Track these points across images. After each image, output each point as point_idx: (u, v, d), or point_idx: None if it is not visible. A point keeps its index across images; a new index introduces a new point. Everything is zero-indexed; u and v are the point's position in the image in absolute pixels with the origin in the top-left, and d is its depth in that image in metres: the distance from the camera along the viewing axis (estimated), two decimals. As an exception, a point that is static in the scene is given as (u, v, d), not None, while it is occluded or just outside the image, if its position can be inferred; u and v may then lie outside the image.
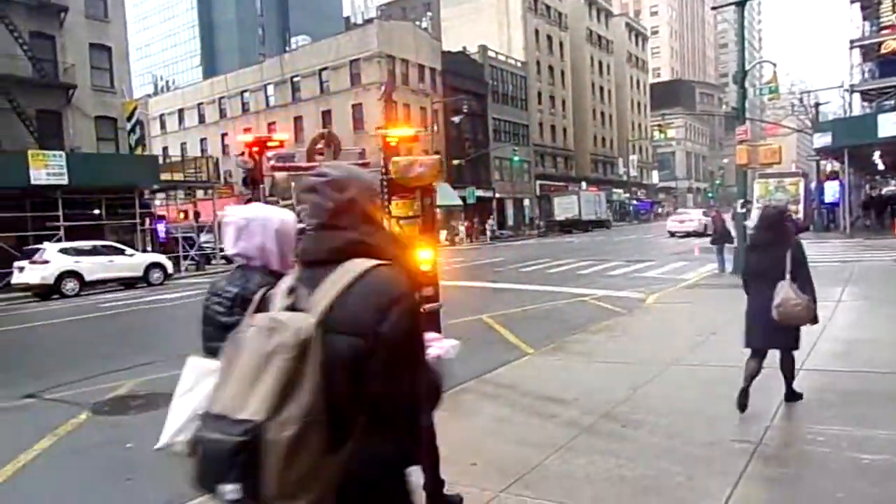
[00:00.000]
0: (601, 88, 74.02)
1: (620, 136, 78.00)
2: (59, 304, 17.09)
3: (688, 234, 30.99)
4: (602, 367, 6.51)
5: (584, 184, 61.92)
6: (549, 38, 63.06)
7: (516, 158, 51.26)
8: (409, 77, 45.82)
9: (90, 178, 23.29)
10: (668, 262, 18.93)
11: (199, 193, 34.01)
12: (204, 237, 31.00)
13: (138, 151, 29.28)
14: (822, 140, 27.03)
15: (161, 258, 22.02)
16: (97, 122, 27.62)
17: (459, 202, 46.34)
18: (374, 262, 1.53)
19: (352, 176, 1.68)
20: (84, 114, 26.86)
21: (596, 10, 73.58)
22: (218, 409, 1.40)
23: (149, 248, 24.72)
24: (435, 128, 47.75)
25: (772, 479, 3.70)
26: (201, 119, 55.39)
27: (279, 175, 8.44)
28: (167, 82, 68.99)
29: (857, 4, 35.57)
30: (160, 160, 33.55)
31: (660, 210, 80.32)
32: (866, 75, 35.71)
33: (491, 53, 53.91)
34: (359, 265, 1.51)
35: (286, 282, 1.58)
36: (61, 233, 22.13)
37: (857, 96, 36.48)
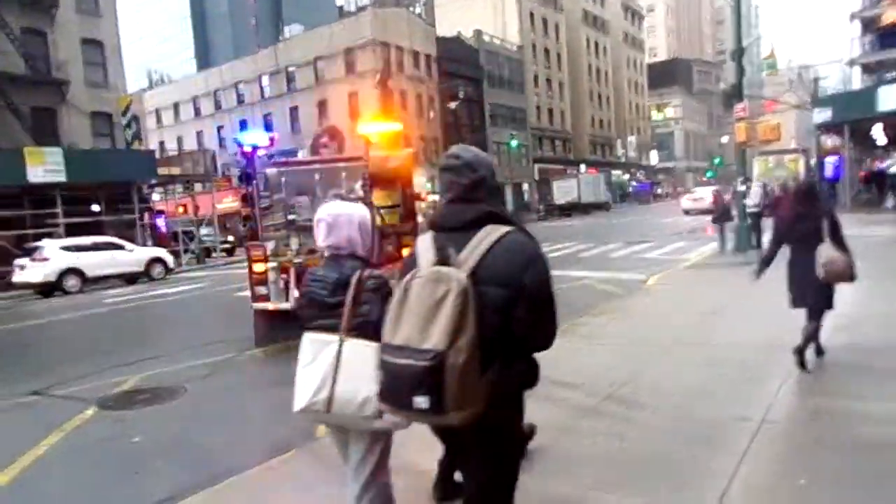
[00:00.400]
0: (598, 70, 73.58)
1: (618, 118, 77.64)
2: (61, 301, 17.12)
3: (702, 212, 31.23)
4: (604, 349, 6.53)
5: (582, 166, 61.72)
6: (545, 20, 62.58)
7: (514, 143, 51.03)
8: (405, 64, 45.54)
9: (88, 174, 23.24)
10: (669, 243, 18.90)
11: (198, 187, 33.94)
12: (204, 230, 30.98)
13: (135, 146, 29.17)
14: (822, 115, 26.88)
15: (162, 253, 22.01)
16: (92, 118, 27.49)
17: (458, 189, 46.25)
18: (507, 227, 1.93)
19: (480, 158, 2.08)
20: (79, 110, 26.71)
21: (591, -9, 73.01)
22: (399, 341, 1.81)
23: (149, 243, 24.70)
24: (431, 114, 47.52)
25: (776, 456, 3.72)
26: (197, 112, 55.14)
27: (270, 171, 8.84)
28: (161, 76, 68.50)
29: (856, -23, 35.24)
30: (157, 154, 33.44)
31: (659, 191, 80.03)
32: (867, 48, 35.39)
33: (486, 38, 53.53)
34: (496, 230, 1.92)
35: (425, 243, 1.99)
36: (61, 230, 22.14)
37: (857, 70, 36.20)
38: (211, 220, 31.04)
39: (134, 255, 20.55)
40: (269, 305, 8.19)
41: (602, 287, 11.28)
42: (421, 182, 33.11)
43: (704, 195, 34.80)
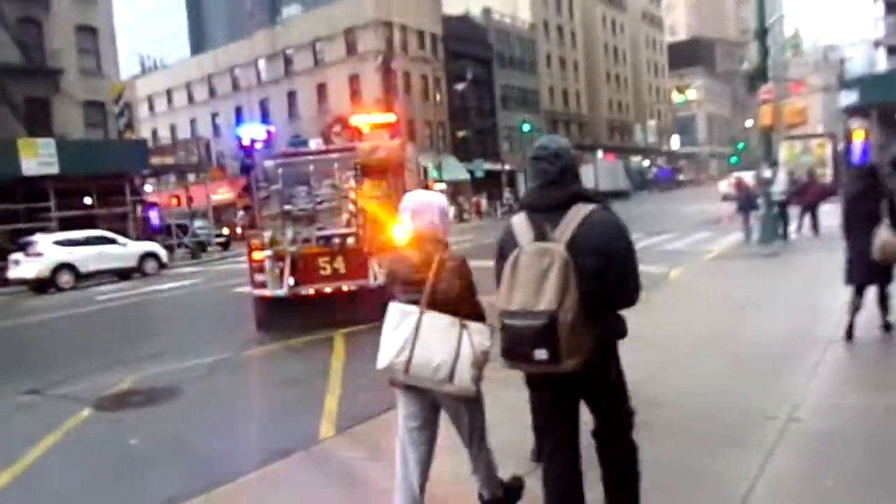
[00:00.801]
0: (615, 49, 73.00)
1: (637, 100, 77.02)
2: (55, 298, 17.36)
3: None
4: (624, 347, 6.52)
5: (599, 152, 61.23)
6: (558, -4, 62.09)
7: (526, 127, 50.41)
8: (409, 44, 45.36)
9: (80, 165, 23.41)
10: (692, 233, 18.85)
11: (191, 178, 33.99)
12: (198, 223, 31.00)
13: (127, 136, 29.32)
14: (849, 98, 26.62)
15: (155, 247, 22.16)
16: (85, 108, 27.67)
17: (466, 176, 46.01)
18: (592, 206, 2.43)
19: (564, 147, 2.54)
20: (72, 99, 26.88)
21: (606, -35, 72.37)
22: (515, 306, 2.28)
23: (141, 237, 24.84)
24: (437, 97, 47.33)
25: (803, 454, 3.74)
26: (190, 99, 55.17)
27: (268, 163, 9.41)
28: (155, 61, 68.51)
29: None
30: (149, 144, 33.54)
31: (681, 177, 79.45)
32: (891, 28, 35.05)
33: (495, 16, 53.20)
34: (584, 208, 2.41)
35: (521, 223, 2.48)
36: (54, 223, 22.34)
37: (881, 51, 35.81)
38: (205, 212, 31.07)
39: (127, 250, 20.73)
40: (266, 292, 8.81)
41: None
42: (425, 167, 33.13)
43: (743, 179, 34.54)
